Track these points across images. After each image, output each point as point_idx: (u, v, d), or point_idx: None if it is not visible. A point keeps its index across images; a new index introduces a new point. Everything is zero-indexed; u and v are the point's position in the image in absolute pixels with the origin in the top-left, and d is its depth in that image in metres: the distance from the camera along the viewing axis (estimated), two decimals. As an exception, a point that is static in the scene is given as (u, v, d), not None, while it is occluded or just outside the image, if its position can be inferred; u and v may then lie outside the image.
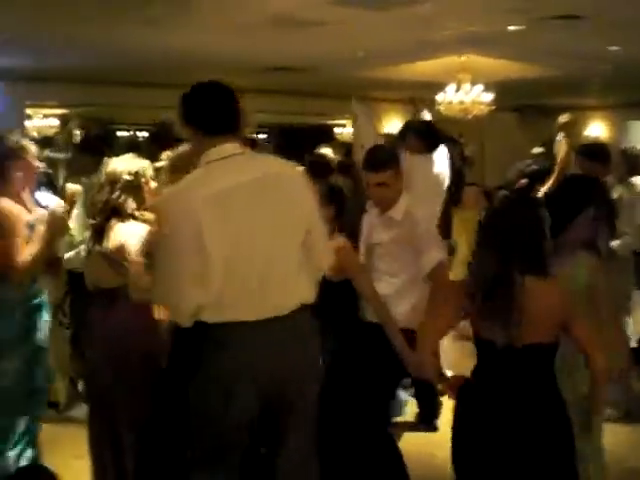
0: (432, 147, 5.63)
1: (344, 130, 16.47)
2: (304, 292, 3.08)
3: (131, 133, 18.84)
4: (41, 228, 3.95)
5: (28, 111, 13.73)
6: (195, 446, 3.13)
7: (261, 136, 17.44)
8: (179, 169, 3.53)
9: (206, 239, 2.84)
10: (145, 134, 18.71)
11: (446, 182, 5.83)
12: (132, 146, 6.87)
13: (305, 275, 3.07)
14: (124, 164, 3.78)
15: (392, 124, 14.99)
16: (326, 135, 15.59)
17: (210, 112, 3.06)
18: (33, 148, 4.18)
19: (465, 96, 11.18)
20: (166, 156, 4.26)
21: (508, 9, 7.51)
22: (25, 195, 4.17)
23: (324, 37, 8.83)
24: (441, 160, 5.91)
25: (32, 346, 4.18)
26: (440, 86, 11.31)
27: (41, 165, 4.26)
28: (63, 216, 4.16)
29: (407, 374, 4.16)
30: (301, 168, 3.18)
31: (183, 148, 3.81)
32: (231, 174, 2.98)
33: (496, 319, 2.98)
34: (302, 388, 3.08)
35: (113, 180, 3.73)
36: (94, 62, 10.78)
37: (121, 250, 3.66)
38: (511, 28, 8.51)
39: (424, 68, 11.22)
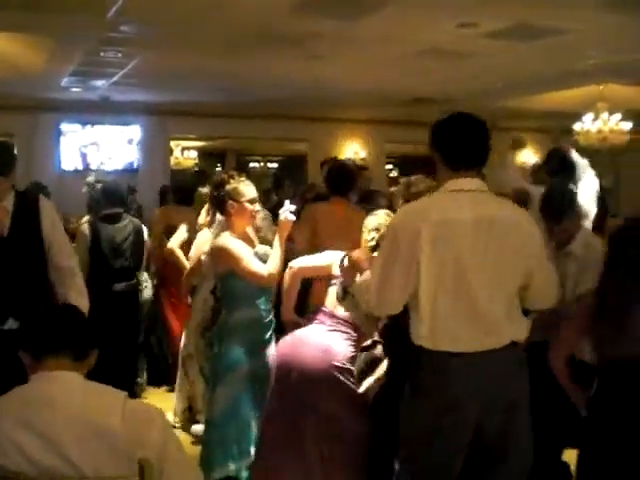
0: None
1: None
2: (515, 331, 3.05)
3: (262, 165, 19.45)
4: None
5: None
6: (404, 470, 3.20)
7: (388, 167, 17.68)
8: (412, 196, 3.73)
9: (422, 261, 2.93)
10: (275, 165, 19.41)
11: (591, 213, 5.76)
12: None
13: (517, 315, 3.08)
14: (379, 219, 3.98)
15: (525, 154, 14.89)
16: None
17: (456, 147, 3.08)
18: (248, 190, 4.42)
19: (603, 125, 11.03)
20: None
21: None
22: (247, 231, 4.47)
23: (469, 69, 8.99)
24: (588, 190, 5.88)
25: (258, 361, 4.38)
26: (576, 116, 11.21)
27: (257, 208, 4.50)
28: (291, 219, 4.36)
29: None
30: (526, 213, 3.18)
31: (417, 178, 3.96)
32: (461, 208, 2.99)
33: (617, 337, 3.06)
34: (508, 418, 3.03)
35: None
36: (230, 97, 11.26)
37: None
38: (651, 56, 8.41)
39: (562, 97, 11.17)
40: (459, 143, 3.06)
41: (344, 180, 5.55)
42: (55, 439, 2.12)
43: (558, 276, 4.03)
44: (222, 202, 4.45)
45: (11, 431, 2.13)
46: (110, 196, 6.10)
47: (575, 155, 6.43)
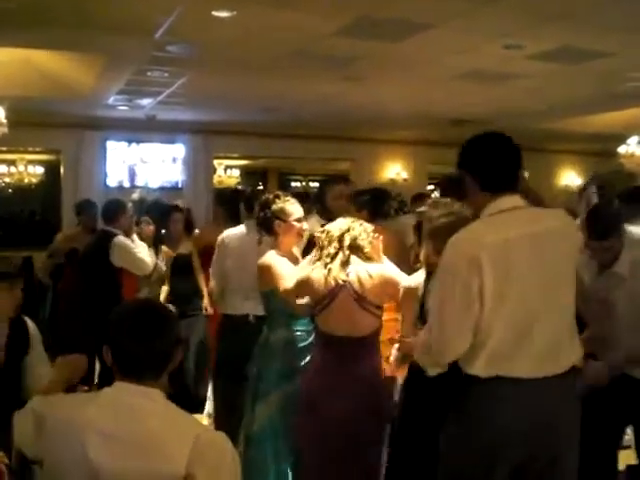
0: None
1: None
2: (576, 353, 2.96)
3: (304, 184, 19.55)
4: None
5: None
6: None
7: (430, 187, 17.63)
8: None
9: (485, 287, 2.76)
10: (316, 184, 19.50)
11: None
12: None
13: (575, 334, 2.98)
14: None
15: (567, 176, 14.81)
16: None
17: (493, 170, 2.93)
18: (294, 209, 4.48)
19: (648, 149, 10.93)
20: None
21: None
22: (293, 250, 4.51)
23: (513, 90, 8.98)
24: None
25: (294, 385, 4.33)
26: (620, 138, 11.13)
27: (304, 226, 4.54)
28: None
29: None
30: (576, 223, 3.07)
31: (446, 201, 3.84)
32: (512, 226, 2.86)
33: None
34: (565, 453, 2.92)
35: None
36: (274, 116, 11.33)
37: None
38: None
39: (606, 120, 11.08)
40: (496, 167, 2.93)
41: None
42: (120, 444, 2.16)
43: (601, 297, 4.01)
44: (269, 222, 4.51)
45: (87, 440, 2.17)
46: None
47: None
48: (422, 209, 3.85)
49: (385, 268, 3.85)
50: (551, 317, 2.85)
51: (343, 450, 3.81)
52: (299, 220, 4.48)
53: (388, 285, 3.80)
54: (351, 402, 3.77)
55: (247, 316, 5.18)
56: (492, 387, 2.82)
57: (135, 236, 6.30)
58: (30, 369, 3.64)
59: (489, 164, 2.93)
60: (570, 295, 2.94)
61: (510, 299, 2.79)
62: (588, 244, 3.94)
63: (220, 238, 5.49)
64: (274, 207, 4.48)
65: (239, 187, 14.24)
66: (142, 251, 6.17)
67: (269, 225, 4.51)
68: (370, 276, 3.77)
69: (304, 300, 4.14)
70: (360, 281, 3.76)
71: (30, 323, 3.75)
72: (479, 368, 2.83)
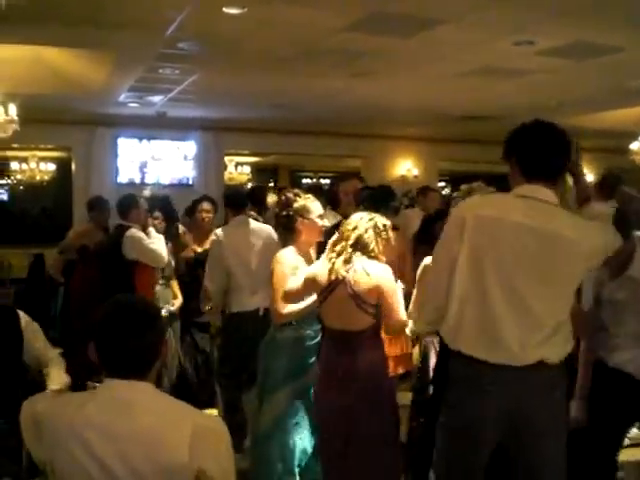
0: None
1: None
2: (551, 352, 2.91)
3: (314, 180, 19.54)
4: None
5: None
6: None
7: (441, 184, 17.59)
8: None
9: (460, 254, 2.90)
10: (327, 181, 19.49)
11: None
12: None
13: (559, 338, 2.93)
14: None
15: (579, 173, 14.74)
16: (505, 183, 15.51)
17: (534, 158, 2.97)
18: (315, 207, 4.51)
19: (661, 145, 10.90)
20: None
21: None
22: (310, 248, 4.55)
23: (524, 86, 8.95)
24: None
25: (300, 383, 4.40)
26: (632, 135, 11.09)
27: (325, 222, 4.58)
28: None
29: None
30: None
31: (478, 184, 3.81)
32: (517, 212, 2.90)
33: None
34: (539, 442, 2.93)
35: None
36: (284, 113, 11.34)
37: None
38: None
39: (618, 116, 11.04)
40: (538, 154, 2.96)
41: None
42: (122, 441, 2.18)
43: (611, 299, 3.94)
44: (291, 220, 4.51)
45: (88, 438, 2.19)
46: None
47: None
48: (455, 195, 3.84)
49: (385, 270, 3.83)
50: (525, 311, 2.87)
51: (342, 448, 3.80)
52: (321, 217, 4.52)
53: (384, 286, 3.78)
54: (352, 397, 3.76)
55: (257, 310, 5.22)
56: (463, 371, 2.95)
57: (152, 229, 6.29)
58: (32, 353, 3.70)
59: (527, 148, 2.99)
60: (559, 302, 2.94)
61: (477, 277, 2.89)
62: None
63: (214, 239, 5.57)
64: (296, 205, 4.49)
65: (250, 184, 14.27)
66: (157, 243, 6.14)
67: (291, 223, 4.51)
68: (367, 274, 3.75)
69: (298, 306, 4.19)
70: (356, 279, 3.75)
71: (21, 314, 3.77)
72: (444, 333, 3.03)
